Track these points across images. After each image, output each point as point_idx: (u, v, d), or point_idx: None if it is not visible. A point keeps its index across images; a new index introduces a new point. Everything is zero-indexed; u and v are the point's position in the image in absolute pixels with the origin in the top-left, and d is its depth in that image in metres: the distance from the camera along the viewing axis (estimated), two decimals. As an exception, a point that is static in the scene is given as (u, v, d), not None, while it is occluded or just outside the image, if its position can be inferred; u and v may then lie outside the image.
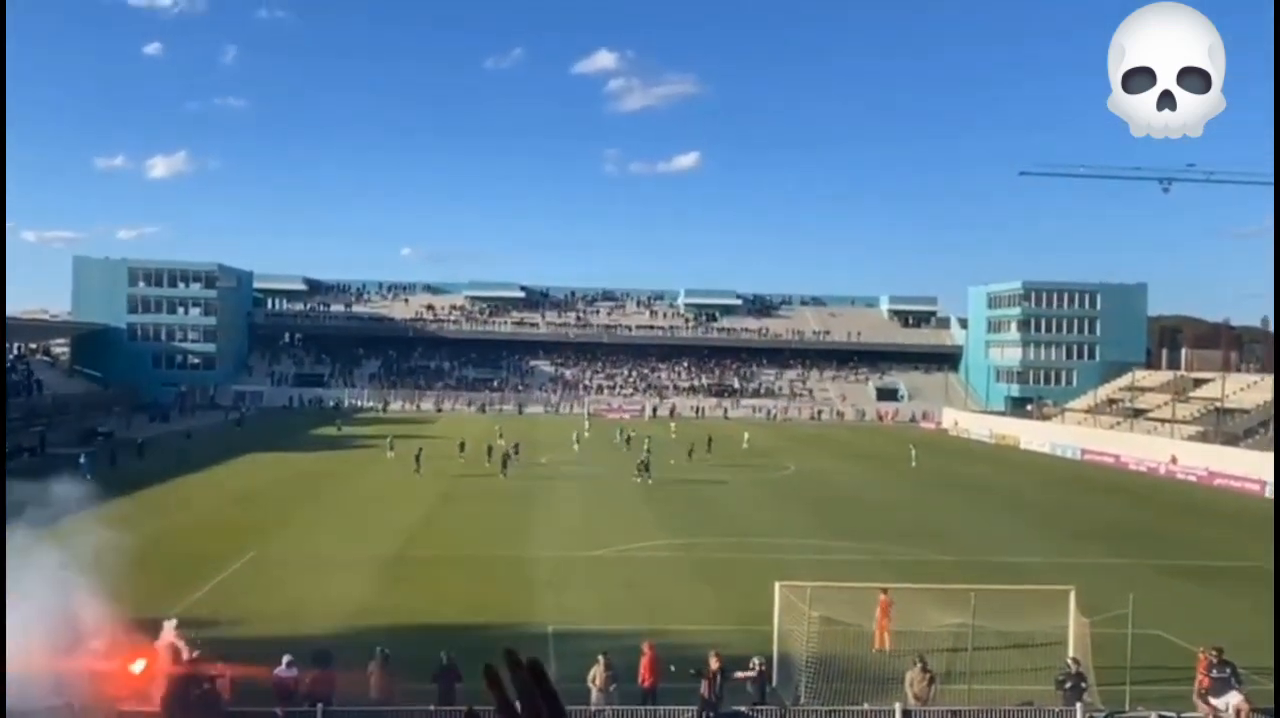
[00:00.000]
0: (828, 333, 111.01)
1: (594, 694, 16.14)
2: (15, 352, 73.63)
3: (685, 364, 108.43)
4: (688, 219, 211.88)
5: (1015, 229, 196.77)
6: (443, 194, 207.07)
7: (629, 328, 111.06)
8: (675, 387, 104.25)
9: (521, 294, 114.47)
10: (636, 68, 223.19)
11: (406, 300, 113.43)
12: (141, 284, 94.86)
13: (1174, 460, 56.99)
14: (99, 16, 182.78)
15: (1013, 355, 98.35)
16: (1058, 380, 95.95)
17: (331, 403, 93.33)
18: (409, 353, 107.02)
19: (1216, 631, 20.18)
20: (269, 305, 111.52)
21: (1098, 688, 17.30)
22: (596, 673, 16.21)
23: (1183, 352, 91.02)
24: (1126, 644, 17.54)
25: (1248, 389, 68.92)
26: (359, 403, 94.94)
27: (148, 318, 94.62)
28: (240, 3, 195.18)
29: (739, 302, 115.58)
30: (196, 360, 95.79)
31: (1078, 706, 16.30)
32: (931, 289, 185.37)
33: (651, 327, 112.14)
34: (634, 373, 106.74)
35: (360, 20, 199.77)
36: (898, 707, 16.18)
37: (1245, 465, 51.42)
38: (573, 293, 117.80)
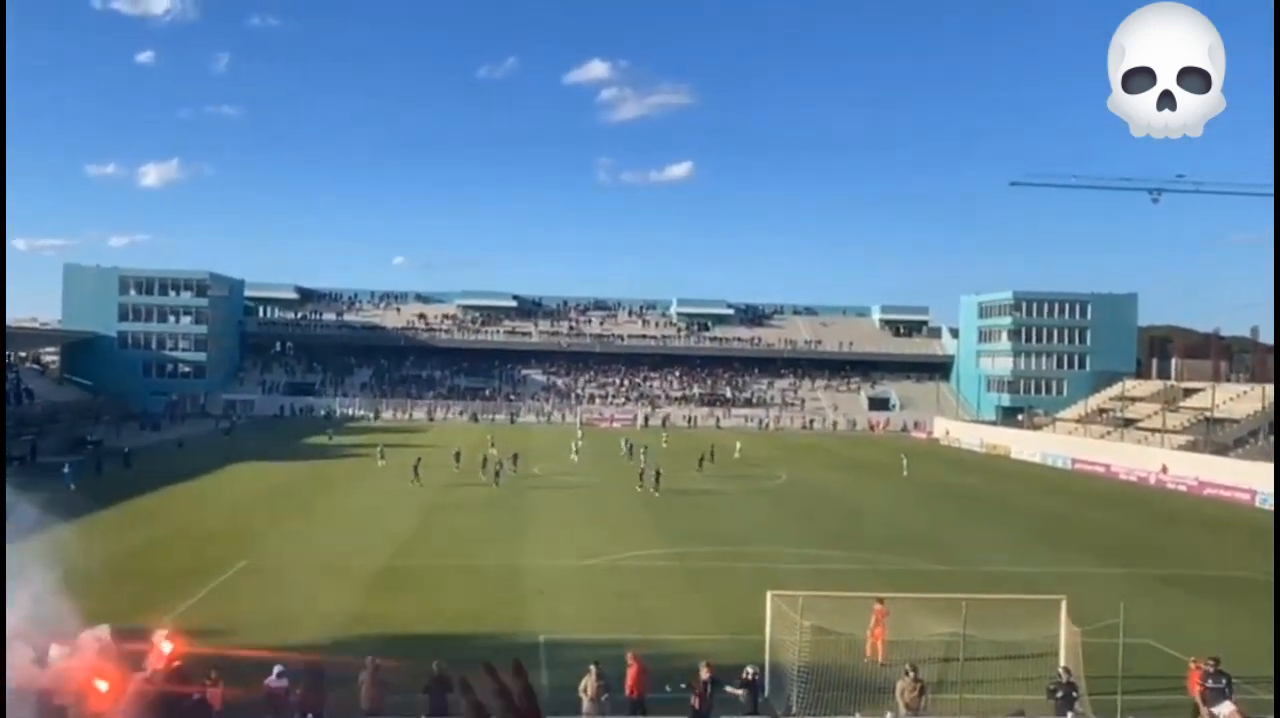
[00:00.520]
0: (819, 343, 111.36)
1: (585, 704, 16.04)
2: (5, 360, 73.24)
3: (677, 373, 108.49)
4: (680, 229, 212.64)
5: (1006, 239, 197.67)
6: (435, 203, 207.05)
7: (621, 337, 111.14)
8: (667, 396, 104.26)
9: (514, 303, 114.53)
10: (629, 77, 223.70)
11: (398, 309, 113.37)
12: (132, 292, 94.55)
13: (1164, 470, 57.22)
14: (92, 24, 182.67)
15: (1004, 365, 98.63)
16: (1048, 390, 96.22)
17: (323, 412, 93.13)
18: (401, 362, 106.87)
19: (1208, 640, 20.27)
20: (260, 314, 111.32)
21: (1089, 698, 17.32)
22: (588, 683, 16.12)
23: (1173, 361, 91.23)
24: (1118, 654, 17.56)
25: (1238, 399, 69.29)
26: (350, 412, 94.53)
27: (138, 326, 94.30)
28: (233, 11, 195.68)
29: (731, 311, 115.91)
30: (187, 369, 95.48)
31: (1069, 715, 16.33)
32: (923, 299, 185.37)
33: (644, 336, 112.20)
34: (626, 382, 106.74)
35: (353, 29, 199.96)
36: (889, 716, 16.18)
37: (1235, 475, 51.70)
38: (565, 302, 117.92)
